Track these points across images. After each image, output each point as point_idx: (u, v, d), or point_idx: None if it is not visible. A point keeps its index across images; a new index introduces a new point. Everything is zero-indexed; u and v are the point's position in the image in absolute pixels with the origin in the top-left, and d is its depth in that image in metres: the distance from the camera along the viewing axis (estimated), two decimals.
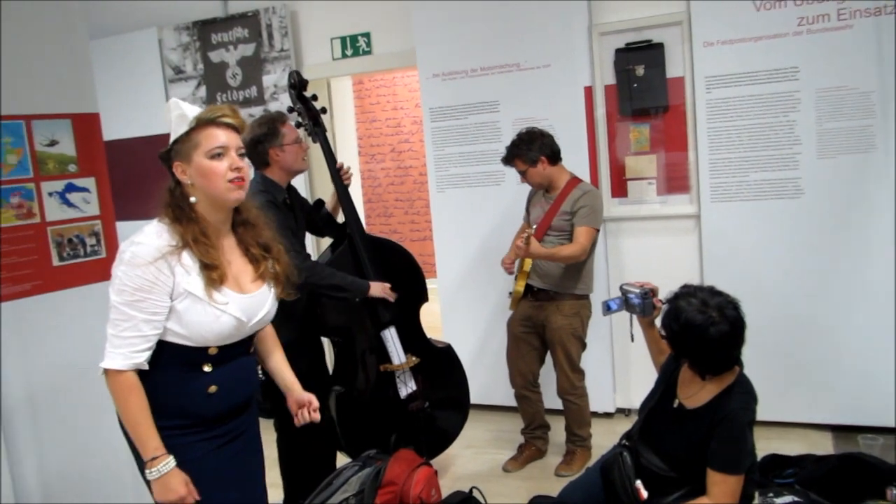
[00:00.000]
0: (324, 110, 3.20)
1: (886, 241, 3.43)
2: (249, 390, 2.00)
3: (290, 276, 2.01)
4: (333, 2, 4.52)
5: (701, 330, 2.05)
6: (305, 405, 2.09)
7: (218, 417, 1.88)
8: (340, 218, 3.24)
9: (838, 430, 3.64)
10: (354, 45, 4.52)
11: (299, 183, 3.43)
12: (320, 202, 3.32)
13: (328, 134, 3.22)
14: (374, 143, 7.82)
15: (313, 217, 3.23)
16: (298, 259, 2.70)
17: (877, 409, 3.49)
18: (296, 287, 2.04)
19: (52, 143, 2.73)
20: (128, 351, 1.73)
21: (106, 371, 1.75)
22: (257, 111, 4.59)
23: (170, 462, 1.76)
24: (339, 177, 3.15)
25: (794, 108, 3.52)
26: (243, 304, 1.86)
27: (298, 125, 3.13)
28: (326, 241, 3.50)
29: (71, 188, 2.78)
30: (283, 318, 2.16)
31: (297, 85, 3.14)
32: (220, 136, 1.81)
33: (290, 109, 3.19)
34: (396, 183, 7.83)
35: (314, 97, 3.19)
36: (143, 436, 1.75)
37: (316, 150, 3.26)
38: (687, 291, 2.17)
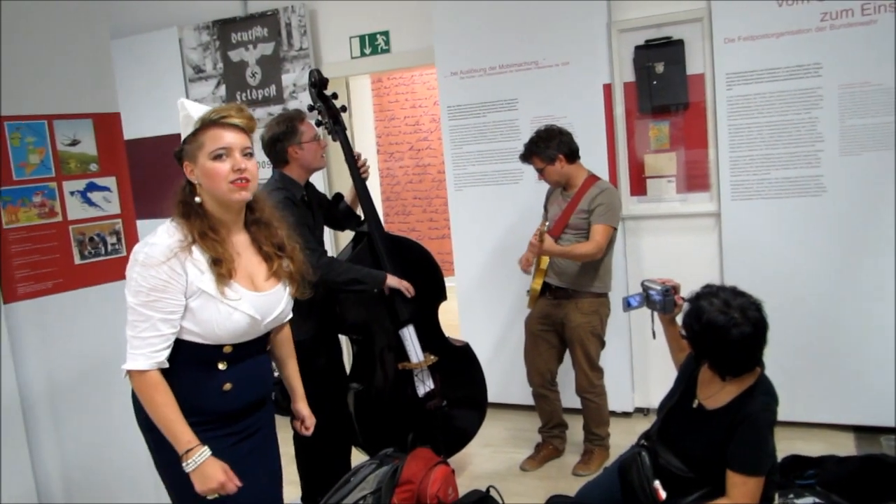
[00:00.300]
0: (344, 109, 3.20)
1: None
2: (264, 388, 2.01)
3: (304, 275, 2.02)
4: (352, 1, 4.52)
5: (723, 331, 2.03)
6: (301, 420, 2.21)
7: (233, 414, 1.90)
8: (360, 210, 3.25)
9: (861, 431, 3.60)
10: (373, 44, 4.53)
11: (317, 181, 3.43)
12: (339, 196, 3.33)
13: (347, 132, 3.23)
14: (392, 142, 7.82)
15: (332, 211, 3.24)
16: (315, 256, 2.71)
17: None
18: (311, 285, 2.05)
19: (74, 143, 2.76)
20: (148, 351, 1.75)
21: (129, 373, 1.77)
22: (276, 110, 4.61)
23: (205, 452, 1.77)
24: (357, 171, 3.15)
25: (817, 104, 3.48)
26: (257, 302, 1.87)
27: (319, 124, 3.14)
28: (345, 237, 3.49)
29: (92, 187, 2.81)
30: (301, 316, 2.17)
31: (318, 83, 3.14)
32: (224, 137, 1.81)
33: (311, 108, 3.20)
34: (415, 181, 7.83)
35: (334, 96, 3.19)
36: (175, 430, 1.76)
37: (335, 148, 3.26)
38: (709, 291, 2.15)
